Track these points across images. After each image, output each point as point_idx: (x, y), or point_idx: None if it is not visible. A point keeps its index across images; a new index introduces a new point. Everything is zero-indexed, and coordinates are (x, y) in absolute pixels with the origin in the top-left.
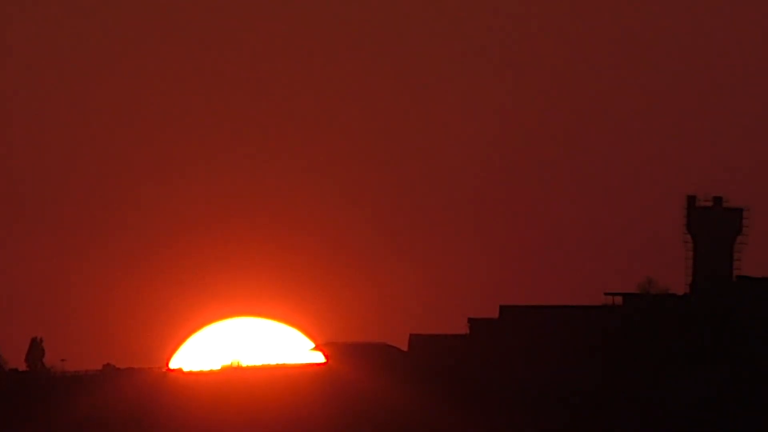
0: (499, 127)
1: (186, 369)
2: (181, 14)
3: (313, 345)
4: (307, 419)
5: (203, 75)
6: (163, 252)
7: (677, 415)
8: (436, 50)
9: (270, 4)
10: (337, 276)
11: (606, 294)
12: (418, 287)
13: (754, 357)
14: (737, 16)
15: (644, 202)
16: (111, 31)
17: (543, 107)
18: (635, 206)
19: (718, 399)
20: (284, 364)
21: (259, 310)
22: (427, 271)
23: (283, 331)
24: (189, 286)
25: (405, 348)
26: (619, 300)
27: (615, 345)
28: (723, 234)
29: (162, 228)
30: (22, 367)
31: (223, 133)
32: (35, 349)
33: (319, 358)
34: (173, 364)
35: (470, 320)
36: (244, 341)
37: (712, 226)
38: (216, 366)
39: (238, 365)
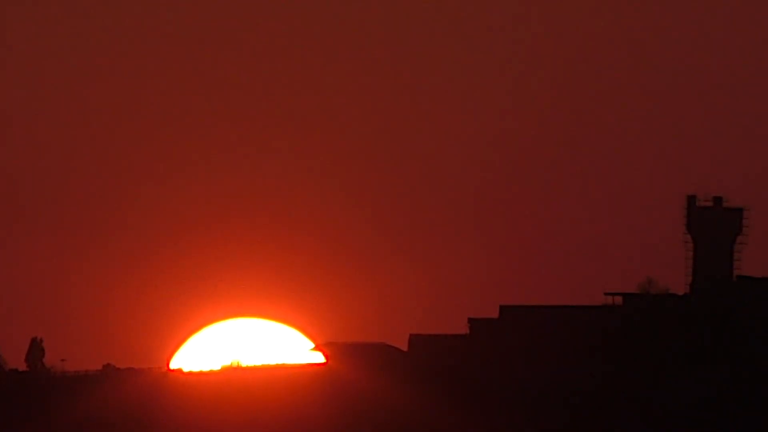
0: (499, 128)
1: (186, 369)
2: (182, 14)
3: (313, 345)
4: (307, 419)
5: (203, 75)
6: (163, 252)
7: (677, 415)
8: (436, 50)
9: (270, 3)
10: (337, 276)
11: (606, 294)
12: (418, 287)
13: (754, 357)
14: (737, 16)
15: (644, 202)
16: (111, 30)
17: (543, 107)
18: (635, 206)
19: (718, 399)
20: (284, 364)
21: (260, 310)
22: (427, 271)
23: (283, 332)
24: (189, 286)
25: (405, 348)
26: (619, 300)
27: (615, 345)
28: (723, 234)
29: (162, 228)
30: (22, 367)
31: (223, 134)
32: (35, 349)
33: (319, 358)
34: (173, 365)
35: (470, 320)
36: (245, 342)
37: (712, 226)
38: (216, 366)
39: (238, 365)
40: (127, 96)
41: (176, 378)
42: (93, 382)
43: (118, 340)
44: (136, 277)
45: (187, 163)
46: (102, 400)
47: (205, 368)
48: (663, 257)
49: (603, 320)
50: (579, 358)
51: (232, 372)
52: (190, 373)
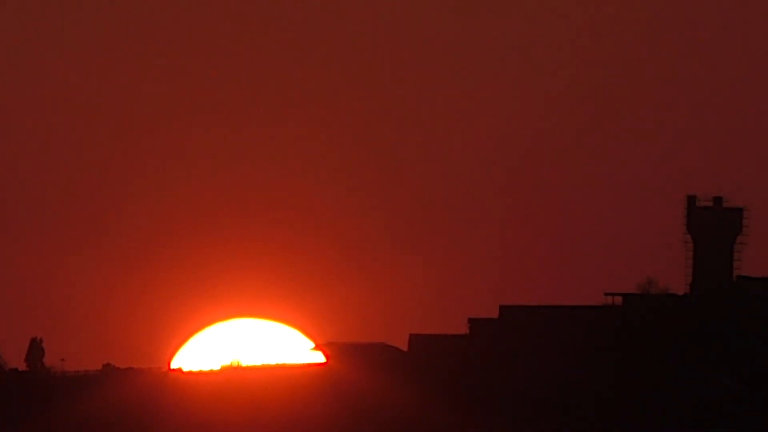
0: (499, 128)
1: (186, 369)
2: (182, 13)
3: (313, 345)
4: (307, 419)
5: (202, 75)
6: (162, 252)
7: (677, 415)
8: (436, 50)
9: (271, 3)
10: (337, 276)
11: (606, 294)
12: (418, 287)
13: (754, 357)
14: (737, 16)
15: (644, 202)
16: (111, 30)
17: (542, 108)
18: (635, 206)
19: (718, 399)
20: (284, 364)
21: (260, 310)
22: (427, 271)
23: (283, 332)
24: (189, 287)
25: (405, 348)
26: (619, 300)
27: (615, 345)
28: (723, 234)
29: (162, 229)
30: (22, 367)
31: (223, 134)
32: (35, 349)
33: (319, 358)
34: (174, 365)
35: (470, 320)
36: (245, 342)
37: (712, 226)
38: (216, 366)
39: (238, 365)
40: (127, 96)
41: (176, 378)
42: (93, 382)
43: (118, 340)
44: (137, 277)
45: (187, 163)
46: (102, 400)
47: (205, 368)
48: (663, 257)
49: (603, 320)
50: (579, 358)
51: (232, 372)
52: (190, 373)
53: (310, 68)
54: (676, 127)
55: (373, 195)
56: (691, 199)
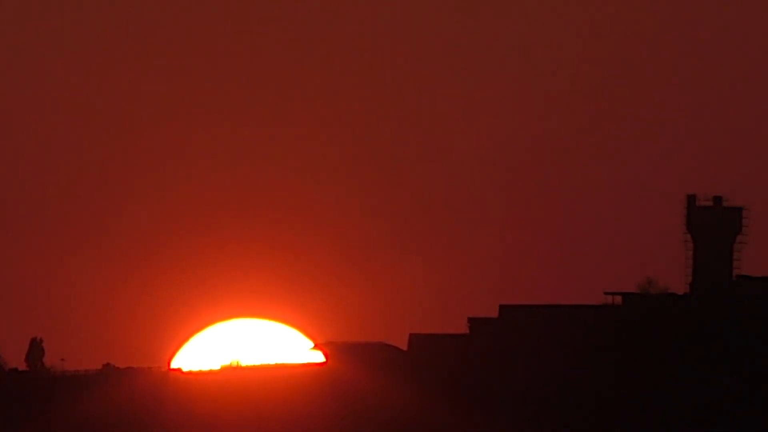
0: (499, 128)
1: (186, 369)
2: (182, 12)
3: (312, 345)
4: (307, 419)
5: (202, 75)
6: (162, 253)
7: (677, 415)
8: (436, 50)
9: (271, 3)
10: (337, 276)
11: (606, 294)
12: (418, 287)
13: (754, 357)
14: (737, 16)
15: (644, 202)
16: (111, 29)
17: (543, 108)
18: (635, 206)
19: (718, 399)
20: (284, 364)
21: (260, 311)
22: (427, 271)
23: (283, 332)
24: (188, 287)
25: (405, 348)
26: (619, 300)
27: (615, 345)
28: (723, 234)
29: (161, 229)
30: (22, 367)
31: (223, 134)
32: (35, 349)
33: (318, 357)
34: (174, 365)
35: (470, 320)
36: (245, 343)
37: (712, 226)
38: (216, 366)
39: (238, 365)
40: (127, 96)
41: (176, 377)
42: (93, 382)
43: (118, 340)
44: (137, 278)
45: (187, 163)
46: (102, 400)
47: (205, 368)
48: (663, 257)
49: (603, 320)
50: (579, 357)
51: (232, 372)
52: (190, 373)
53: (310, 68)
54: (676, 127)
55: (373, 195)
56: (691, 199)
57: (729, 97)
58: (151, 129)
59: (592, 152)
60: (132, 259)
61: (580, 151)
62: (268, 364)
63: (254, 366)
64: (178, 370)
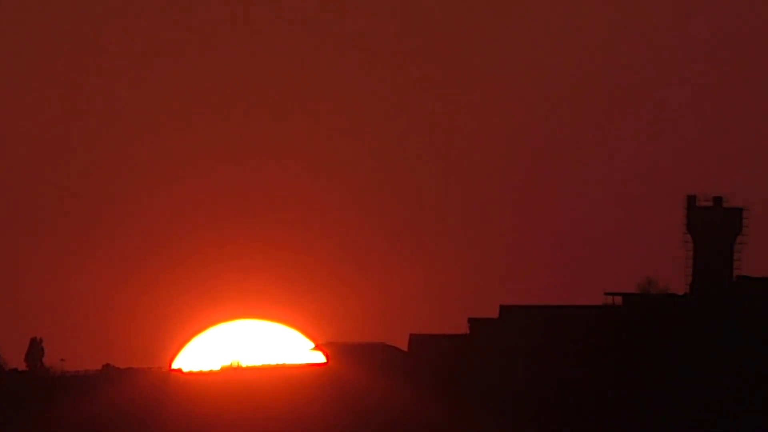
0: (499, 128)
1: (186, 369)
2: (183, 13)
3: (313, 345)
4: (307, 419)
5: (202, 75)
6: (163, 253)
7: (677, 415)
8: (437, 50)
9: (271, 3)
10: (337, 276)
11: (606, 294)
12: (418, 287)
13: (754, 357)
14: (737, 16)
15: (644, 202)
16: (110, 29)
17: (543, 108)
18: (635, 206)
19: (718, 399)
20: (284, 365)
21: (260, 311)
22: (427, 271)
23: (283, 333)
24: (189, 288)
25: (405, 348)
26: (619, 300)
27: (615, 345)
28: (723, 234)
29: (162, 230)
30: (22, 367)
31: (223, 134)
32: (35, 349)
33: (319, 358)
34: (174, 365)
35: (470, 320)
36: (246, 343)
37: (712, 226)
38: (216, 366)
39: (238, 365)
40: (127, 96)
41: (176, 378)
42: (93, 382)
43: (118, 340)
44: (137, 278)
45: (187, 163)
46: (102, 400)
47: (205, 368)
48: (663, 257)
49: (603, 320)
50: (579, 358)
51: (232, 372)
52: (190, 373)
53: (310, 68)
54: (676, 127)
55: (374, 195)
56: (691, 199)
57: (729, 97)
58: (151, 129)
59: (593, 152)
60: (133, 259)
61: (581, 151)
62: (269, 365)
63: (255, 367)
64: (179, 370)
